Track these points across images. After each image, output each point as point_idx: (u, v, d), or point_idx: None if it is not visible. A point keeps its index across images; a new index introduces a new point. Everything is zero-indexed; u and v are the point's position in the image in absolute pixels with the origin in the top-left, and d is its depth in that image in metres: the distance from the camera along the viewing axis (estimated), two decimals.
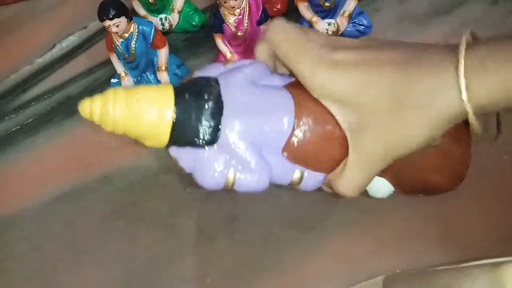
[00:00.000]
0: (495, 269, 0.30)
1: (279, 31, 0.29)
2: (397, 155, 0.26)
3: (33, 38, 0.68)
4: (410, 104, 0.24)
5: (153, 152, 0.52)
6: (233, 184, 0.30)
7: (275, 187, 0.34)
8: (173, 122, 0.29)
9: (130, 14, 0.51)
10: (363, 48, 0.26)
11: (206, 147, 0.29)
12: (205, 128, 0.29)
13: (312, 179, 0.30)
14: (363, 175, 0.27)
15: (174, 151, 0.31)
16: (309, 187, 0.31)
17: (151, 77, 0.57)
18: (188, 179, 0.49)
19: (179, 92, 0.30)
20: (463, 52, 0.23)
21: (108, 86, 0.57)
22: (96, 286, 0.45)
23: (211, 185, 0.31)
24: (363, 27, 0.55)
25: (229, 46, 0.54)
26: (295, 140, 0.29)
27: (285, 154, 0.30)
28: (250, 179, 0.30)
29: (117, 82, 0.57)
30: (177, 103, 0.29)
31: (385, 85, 0.24)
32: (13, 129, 0.59)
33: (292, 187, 0.31)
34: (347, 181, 0.28)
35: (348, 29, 0.55)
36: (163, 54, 0.55)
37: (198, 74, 0.32)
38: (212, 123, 0.29)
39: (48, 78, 0.63)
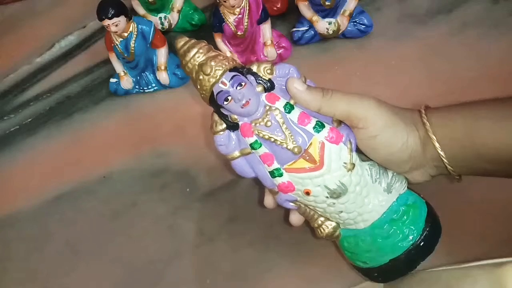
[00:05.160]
0: (496, 269, 0.30)
1: None
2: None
3: (32, 37, 0.67)
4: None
5: (152, 152, 0.52)
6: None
7: None
8: None
9: (130, 13, 0.51)
10: None
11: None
12: None
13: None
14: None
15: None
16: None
17: (150, 76, 0.57)
18: (188, 179, 0.49)
19: None
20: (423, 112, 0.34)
21: (107, 85, 0.57)
22: (96, 287, 0.44)
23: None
24: (363, 26, 0.55)
25: (229, 46, 0.54)
26: None
27: None
28: None
29: (116, 81, 0.57)
30: None
31: None
32: (12, 129, 0.58)
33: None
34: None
35: (349, 28, 0.55)
36: (162, 53, 0.55)
37: None
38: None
39: (47, 77, 0.63)
